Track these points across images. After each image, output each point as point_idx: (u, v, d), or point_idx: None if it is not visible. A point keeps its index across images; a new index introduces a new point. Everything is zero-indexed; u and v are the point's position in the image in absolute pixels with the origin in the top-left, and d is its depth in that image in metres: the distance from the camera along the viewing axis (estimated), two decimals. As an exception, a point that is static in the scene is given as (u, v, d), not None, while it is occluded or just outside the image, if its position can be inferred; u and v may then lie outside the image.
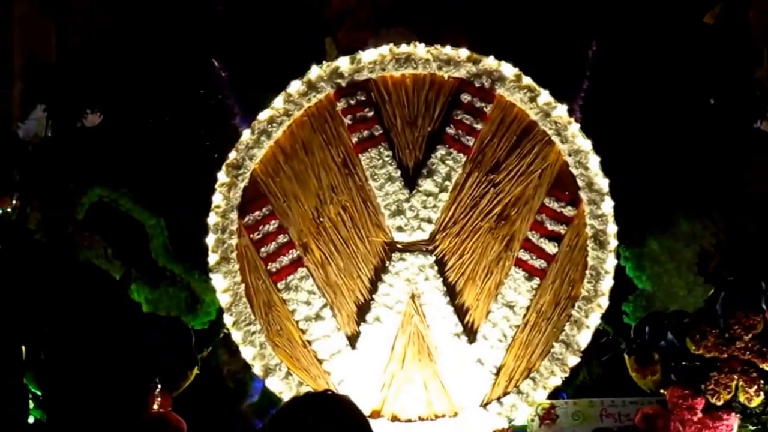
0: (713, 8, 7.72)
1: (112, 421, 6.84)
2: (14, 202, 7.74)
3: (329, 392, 3.30)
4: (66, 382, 6.93)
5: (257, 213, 7.11)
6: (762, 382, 6.77)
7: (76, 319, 6.84)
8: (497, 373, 6.99)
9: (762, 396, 6.76)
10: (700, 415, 6.80)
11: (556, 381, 7.01)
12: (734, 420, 6.79)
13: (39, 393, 7.03)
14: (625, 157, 7.48)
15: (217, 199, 7.09)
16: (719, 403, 6.77)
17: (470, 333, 7.02)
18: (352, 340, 7.00)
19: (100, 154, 7.63)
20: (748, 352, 6.77)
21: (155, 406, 6.99)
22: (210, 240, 7.07)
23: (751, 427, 6.85)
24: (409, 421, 6.95)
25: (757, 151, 7.60)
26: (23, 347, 7.08)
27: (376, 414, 6.75)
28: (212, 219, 7.07)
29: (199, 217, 7.17)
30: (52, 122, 7.55)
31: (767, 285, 6.90)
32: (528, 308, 7.05)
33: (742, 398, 6.76)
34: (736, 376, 6.76)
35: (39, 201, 7.45)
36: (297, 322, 7.04)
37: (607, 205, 7.04)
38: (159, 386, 6.96)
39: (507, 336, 7.04)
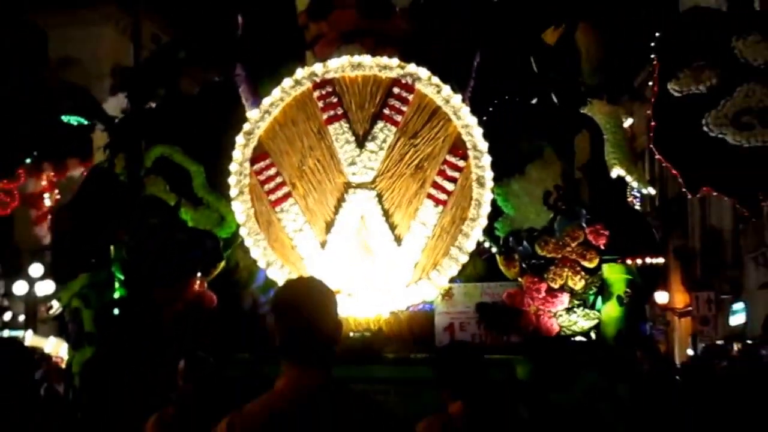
0: (551, 28, 7.87)
1: (170, 295, 7.30)
2: (105, 156, 7.93)
3: (309, 277, 3.23)
4: (139, 269, 7.38)
5: (262, 163, 7.58)
6: (583, 272, 7.29)
7: (148, 229, 7.42)
8: (415, 266, 7.45)
9: (583, 282, 7.29)
10: (543, 294, 7.29)
11: (453, 272, 7.46)
12: (566, 297, 7.28)
13: (122, 276, 7.41)
14: (498, 128, 7.70)
15: (236, 154, 7.57)
16: (556, 286, 7.30)
17: (398, 240, 7.46)
18: (323, 245, 7.44)
19: (160, 124, 7.86)
20: (574, 254, 7.33)
21: (197, 287, 7.43)
22: (231, 180, 7.53)
23: (576, 302, 7.28)
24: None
25: (581, 127, 7.83)
26: (111, 246, 7.47)
27: (337, 291, 7.18)
28: (233, 167, 7.55)
29: (225, 165, 7.60)
30: (130, 104, 7.78)
31: (585, 212, 7.45)
32: (435, 225, 7.48)
33: (570, 283, 7.30)
34: (566, 269, 7.31)
35: (123, 155, 7.68)
36: (287, 233, 7.48)
37: (486, 160, 7.49)
38: (199, 273, 7.48)
39: (421, 243, 7.45)
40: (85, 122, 8.99)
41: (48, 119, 8.06)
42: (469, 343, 7.04)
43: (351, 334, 7.20)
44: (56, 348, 21.09)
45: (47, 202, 9.24)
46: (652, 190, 10.55)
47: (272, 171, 7.63)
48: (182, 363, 5.20)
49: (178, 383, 5.16)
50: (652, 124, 7.59)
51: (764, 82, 7.29)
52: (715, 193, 8.41)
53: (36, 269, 33.88)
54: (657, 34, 7.61)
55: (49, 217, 9.26)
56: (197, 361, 5.21)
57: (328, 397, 2.75)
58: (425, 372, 4.63)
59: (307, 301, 2.86)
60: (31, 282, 34.57)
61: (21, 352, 4.37)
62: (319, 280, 3.01)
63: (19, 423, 3.88)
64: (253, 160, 7.62)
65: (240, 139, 7.62)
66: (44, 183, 8.55)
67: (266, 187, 7.60)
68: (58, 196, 9.46)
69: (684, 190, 7.84)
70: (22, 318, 37.70)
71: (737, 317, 27.72)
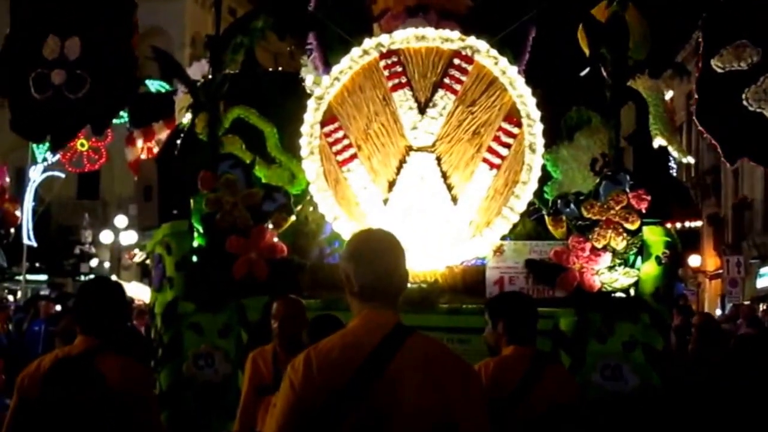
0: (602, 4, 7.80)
1: (244, 245, 7.24)
2: (188, 116, 7.91)
3: (385, 229, 3.15)
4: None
5: (331, 126, 7.56)
6: (625, 234, 7.21)
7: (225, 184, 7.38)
8: (469, 224, 7.47)
9: (624, 242, 7.21)
10: (587, 253, 7.23)
11: (504, 230, 7.47)
12: (608, 256, 7.21)
13: (200, 227, 7.35)
14: (551, 98, 7.62)
15: (308, 117, 7.58)
16: (599, 246, 7.22)
17: (454, 200, 7.47)
18: (385, 202, 7.49)
19: (238, 90, 7.80)
20: (617, 216, 7.23)
21: (268, 237, 7.34)
22: (303, 141, 7.54)
23: (617, 260, 7.20)
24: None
25: (627, 99, 7.73)
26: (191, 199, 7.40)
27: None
28: (305, 129, 7.55)
29: (296, 126, 7.58)
30: (211, 69, 7.73)
31: (629, 178, 7.34)
32: (489, 187, 7.45)
33: (613, 243, 7.22)
34: (610, 230, 7.22)
35: (204, 115, 7.61)
36: (353, 191, 7.51)
37: (538, 127, 7.44)
38: (271, 226, 7.41)
39: (475, 203, 7.47)
40: (168, 88, 9.07)
41: (135, 81, 8.07)
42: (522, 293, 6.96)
43: (409, 284, 7.08)
44: (138, 292, 21.55)
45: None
46: (691, 159, 10.44)
47: (340, 134, 7.61)
48: (276, 303, 5.21)
49: (272, 322, 5.16)
50: (695, 98, 7.48)
51: (802, 59, 7.08)
52: (751, 163, 8.31)
53: (121, 220, 34.56)
54: (703, 14, 7.47)
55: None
56: (290, 300, 5.22)
57: (401, 336, 2.72)
58: (476, 321, 4.62)
59: (387, 248, 2.86)
60: (116, 232, 35.28)
61: (119, 287, 4.41)
62: (392, 232, 3.00)
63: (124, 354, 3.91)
64: (323, 123, 7.61)
65: (311, 103, 7.62)
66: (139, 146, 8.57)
67: (334, 148, 7.59)
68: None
69: (723, 160, 7.70)
70: (107, 265, 38.51)
71: (764, 280, 27.38)
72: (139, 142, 8.57)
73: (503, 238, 7.54)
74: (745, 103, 7.17)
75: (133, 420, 3.61)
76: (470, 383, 2.72)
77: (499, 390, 3.76)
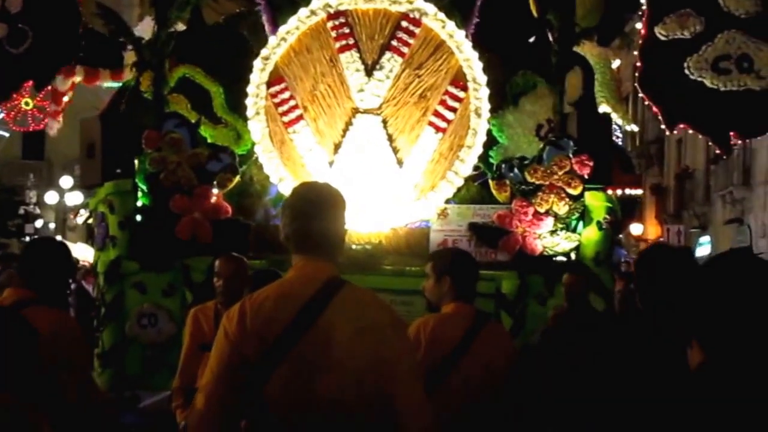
0: None
1: (188, 204, 7.19)
2: (133, 74, 7.76)
3: (325, 182, 3.04)
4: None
5: (277, 87, 7.50)
6: (567, 199, 7.26)
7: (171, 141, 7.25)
8: (414, 187, 7.46)
9: (567, 207, 7.26)
10: (530, 217, 7.27)
11: (449, 194, 7.49)
12: (550, 220, 7.27)
13: (144, 186, 7.27)
14: (495, 63, 7.64)
15: (254, 77, 7.49)
16: (542, 210, 7.26)
17: (400, 163, 7.47)
18: (331, 164, 7.46)
19: (184, 47, 7.71)
20: (560, 181, 7.28)
21: (213, 198, 7.29)
22: (249, 101, 7.48)
23: (559, 225, 7.26)
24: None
25: (573, 65, 7.75)
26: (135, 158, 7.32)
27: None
28: (251, 89, 7.49)
29: (242, 88, 7.52)
30: (157, 28, 7.54)
31: (573, 143, 7.34)
32: (434, 150, 7.46)
33: (555, 208, 7.27)
34: (552, 195, 7.27)
35: (149, 73, 7.54)
36: (299, 152, 7.46)
37: (484, 92, 7.44)
38: (216, 186, 7.30)
39: (421, 166, 7.46)
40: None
41: (79, 37, 7.84)
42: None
43: (354, 246, 7.22)
44: (84, 253, 21.26)
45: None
46: (634, 128, 10.59)
47: (286, 94, 7.55)
48: (218, 261, 5.18)
49: (214, 280, 5.15)
50: (639, 64, 7.51)
51: (744, 30, 7.21)
52: (691, 131, 8.38)
53: (66, 181, 34.01)
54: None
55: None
56: (233, 258, 5.20)
57: (335, 287, 2.72)
58: (420, 283, 4.56)
59: (319, 199, 2.84)
60: (62, 193, 34.73)
61: (62, 245, 4.37)
62: (330, 186, 2.98)
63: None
64: (269, 84, 7.54)
65: (258, 63, 7.54)
66: (70, 83, 8.29)
67: (280, 109, 7.54)
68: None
69: (663, 126, 7.79)
70: (52, 226, 37.90)
71: (703, 249, 27.87)
72: (78, 78, 8.28)
73: (447, 201, 7.58)
74: (686, 71, 7.24)
75: (62, 370, 3.59)
76: (400, 333, 2.73)
77: (440, 346, 3.77)
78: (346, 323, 2.65)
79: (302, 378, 2.60)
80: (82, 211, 22.85)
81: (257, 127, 7.50)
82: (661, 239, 26.27)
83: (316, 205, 2.79)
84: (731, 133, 7.42)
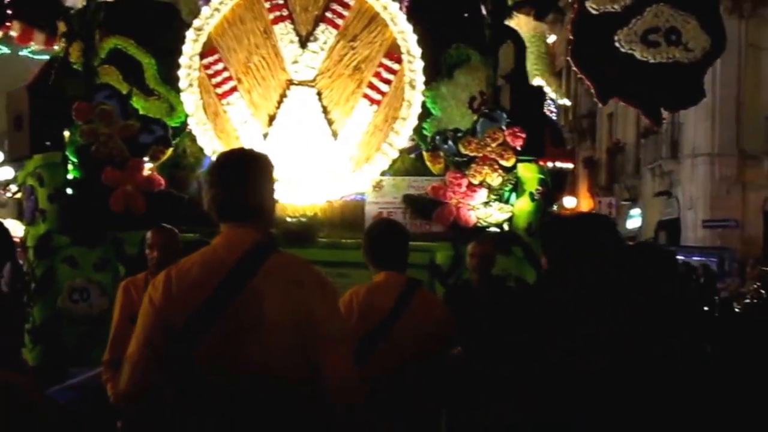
0: None
1: (120, 177, 7.13)
2: (62, 44, 7.59)
3: (238, 147, 3.12)
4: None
5: (210, 58, 7.40)
6: (501, 170, 7.32)
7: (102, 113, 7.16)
8: (349, 160, 7.41)
9: (500, 178, 7.33)
10: (464, 188, 7.32)
11: (384, 166, 7.49)
12: (484, 192, 7.33)
13: (75, 159, 7.17)
14: (430, 36, 7.56)
15: (187, 48, 7.38)
16: (475, 182, 7.32)
17: (335, 135, 7.43)
18: (265, 136, 7.38)
19: (116, 17, 7.56)
20: (493, 153, 7.33)
21: (145, 170, 7.26)
22: (181, 73, 7.37)
23: (493, 196, 7.34)
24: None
25: (506, 38, 7.76)
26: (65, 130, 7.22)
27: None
28: (183, 60, 7.38)
29: (175, 58, 7.40)
30: None
31: (506, 116, 7.43)
32: (369, 123, 7.43)
33: (488, 179, 7.33)
34: (486, 166, 7.32)
35: (79, 44, 7.39)
36: (233, 124, 7.38)
37: (418, 64, 7.43)
38: (149, 157, 7.31)
39: (356, 138, 7.43)
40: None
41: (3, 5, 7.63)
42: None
43: (289, 218, 7.19)
44: (14, 229, 20.78)
45: None
46: (567, 101, 10.74)
47: (220, 66, 7.45)
48: (150, 232, 5.12)
49: (146, 251, 5.08)
50: (571, 37, 7.57)
51: (672, 3, 7.28)
52: (622, 105, 8.52)
53: (-5, 155, 33.18)
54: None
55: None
56: (164, 229, 5.14)
57: (262, 253, 2.68)
58: (355, 255, 4.57)
59: (239, 164, 2.78)
60: (-10, 167, 33.84)
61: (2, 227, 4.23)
62: (255, 151, 2.92)
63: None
64: (203, 55, 7.43)
65: (190, 34, 7.42)
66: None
67: (214, 80, 7.44)
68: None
69: (595, 99, 7.86)
70: (-19, 200, 36.95)
71: (634, 221, 28.42)
72: (12, 33, 8.00)
73: (382, 173, 7.57)
74: (617, 44, 7.30)
75: None
76: (328, 297, 2.71)
77: (372, 314, 3.77)
78: (274, 287, 2.63)
79: (231, 343, 2.57)
80: (12, 186, 22.29)
81: (190, 99, 7.38)
82: (594, 212, 26.66)
83: (236, 171, 2.74)
84: (661, 106, 7.53)
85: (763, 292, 11.45)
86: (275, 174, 2.90)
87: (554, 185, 8.35)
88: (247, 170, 2.76)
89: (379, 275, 3.96)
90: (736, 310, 11.20)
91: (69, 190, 7.23)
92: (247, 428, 2.57)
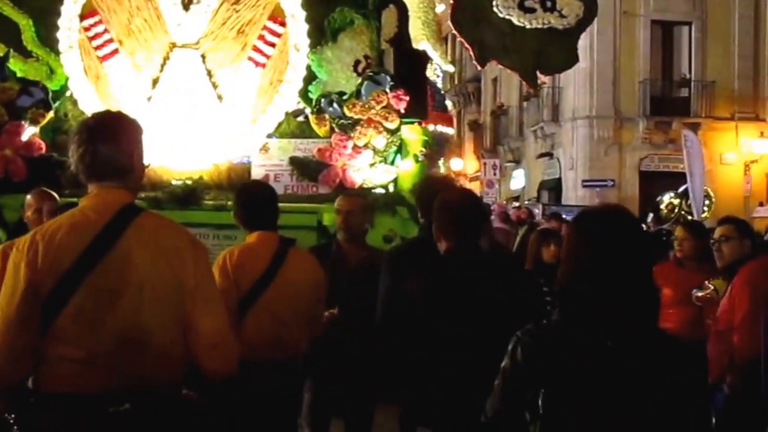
0: None
1: None
2: None
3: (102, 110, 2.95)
4: None
5: (90, 20, 7.25)
6: (385, 132, 7.36)
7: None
8: (235, 122, 7.32)
9: (384, 141, 7.35)
10: (350, 150, 7.34)
11: (270, 129, 7.47)
12: (369, 153, 7.37)
13: None
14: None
15: (66, 10, 7.20)
16: (361, 144, 7.35)
17: (220, 98, 7.37)
18: (149, 99, 7.25)
19: None
20: (378, 115, 7.36)
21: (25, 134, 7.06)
22: (61, 35, 7.20)
23: (378, 158, 7.38)
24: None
25: (388, 2, 7.78)
26: None
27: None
28: (62, 22, 7.20)
29: (54, 20, 7.21)
30: None
31: (390, 79, 7.44)
32: (255, 85, 7.38)
33: (373, 141, 7.36)
34: (371, 129, 7.36)
35: None
36: (115, 87, 7.23)
37: (302, 28, 7.42)
38: (28, 121, 7.01)
39: (241, 101, 7.37)
40: None
41: None
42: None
43: (174, 181, 7.10)
44: None
45: None
46: (451, 68, 10.81)
47: (100, 28, 7.28)
48: (30, 196, 5.02)
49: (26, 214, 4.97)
50: (452, 2, 7.65)
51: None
52: (507, 70, 8.62)
53: None
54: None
55: None
56: (43, 191, 5.04)
57: (131, 213, 2.63)
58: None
59: (106, 124, 2.69)
60: None
61: None
62: (123, 113, 2.83)
63: None
64: (82, 17, 7.25)
65: (69, -6, 7.19)
66: None
67: (94, 42, 7.27)
68: None
69: (475, 62, 7.96)
70: None
71: (517, 181, 29.04)
72: None
73: (269, 136, 7.53)
74: (495, 9, 7.40)
75: None
76: (199, 256, 2.65)
77: (247, 274, 3.77)
78: (143, 249, 2.58)
79: (99, 306, 2.51)
80: None
81: (71, 62, 7.22)
82: (479, 173, 27.10)
83: (105, 130, 2.65)
84: (538, 69, 7.68)
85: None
86: (154, 139, 2.83)
87: (438, 146, 8.44)
88: (116, 129, 2.69)
89: (251, 236, 3.95)
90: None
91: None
92: (115, 388, 2.51)
